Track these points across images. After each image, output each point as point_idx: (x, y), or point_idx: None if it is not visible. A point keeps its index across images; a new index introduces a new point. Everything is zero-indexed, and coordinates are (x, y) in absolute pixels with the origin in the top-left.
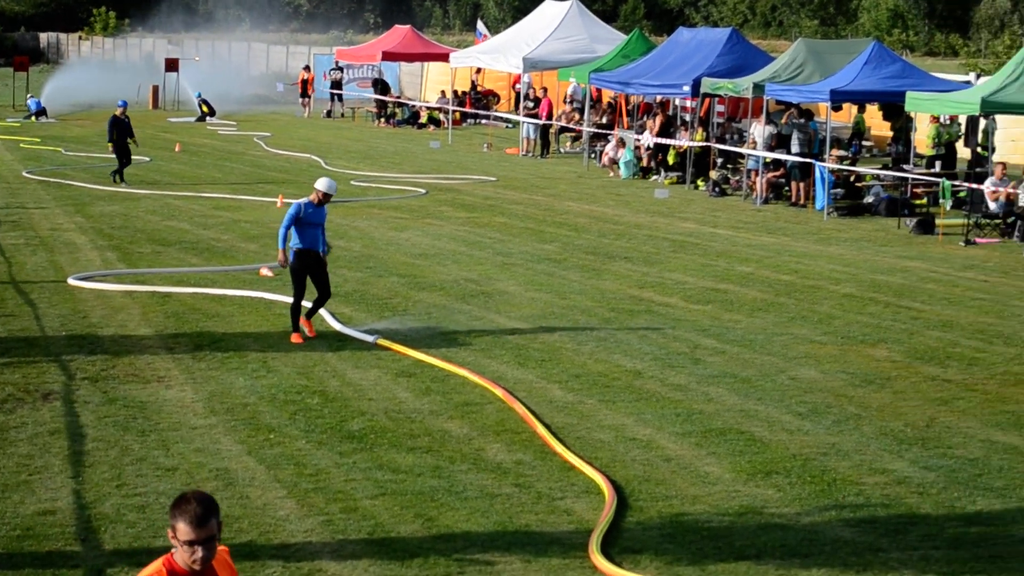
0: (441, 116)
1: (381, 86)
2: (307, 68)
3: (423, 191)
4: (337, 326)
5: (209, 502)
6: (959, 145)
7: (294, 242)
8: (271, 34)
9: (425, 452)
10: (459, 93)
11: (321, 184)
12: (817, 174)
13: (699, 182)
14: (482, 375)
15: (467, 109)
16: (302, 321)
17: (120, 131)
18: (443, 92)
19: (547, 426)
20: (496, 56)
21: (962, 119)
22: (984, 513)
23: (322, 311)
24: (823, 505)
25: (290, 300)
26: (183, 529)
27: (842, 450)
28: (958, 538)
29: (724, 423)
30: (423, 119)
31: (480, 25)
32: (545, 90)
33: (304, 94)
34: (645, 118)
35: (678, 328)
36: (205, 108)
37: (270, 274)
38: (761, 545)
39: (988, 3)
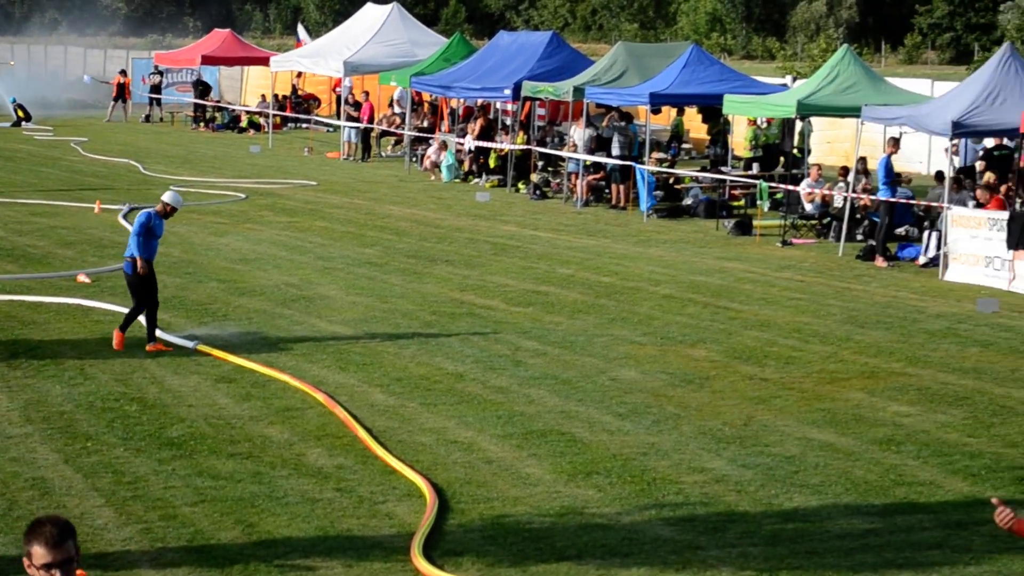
0: (261, 120)
1: (202, 87)
2: (123, 72)
3: (243, 196)
4: (157, 332)
5: (65, 524)
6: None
7: (134, 252)
8: (89, 38)
9: (245, 458)
10: (280, 97)
11: (168, 196)
12: (639, 177)
13: (520, 185)
14: (303, 380)
15: (288, 113)
16: (152, 347)
17: None
18: (263, 96)
19: (368, 430)
20: (317, 60)
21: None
22: (800, 509)
23: (140, 318)
24: (643, 504)
25: (106, 306)
26: (39, 553)
27: (662, 449)
28: (775, 535)
29: (545, 424)
30: (243, 123)
31: (300, 29)
32: (367, 94)
33: (119, 98)
34: (467, 122)
35: (499, 330)
36: (20, 113)
37: (87, 280)
38: (582, 545)
39: (804, 7)
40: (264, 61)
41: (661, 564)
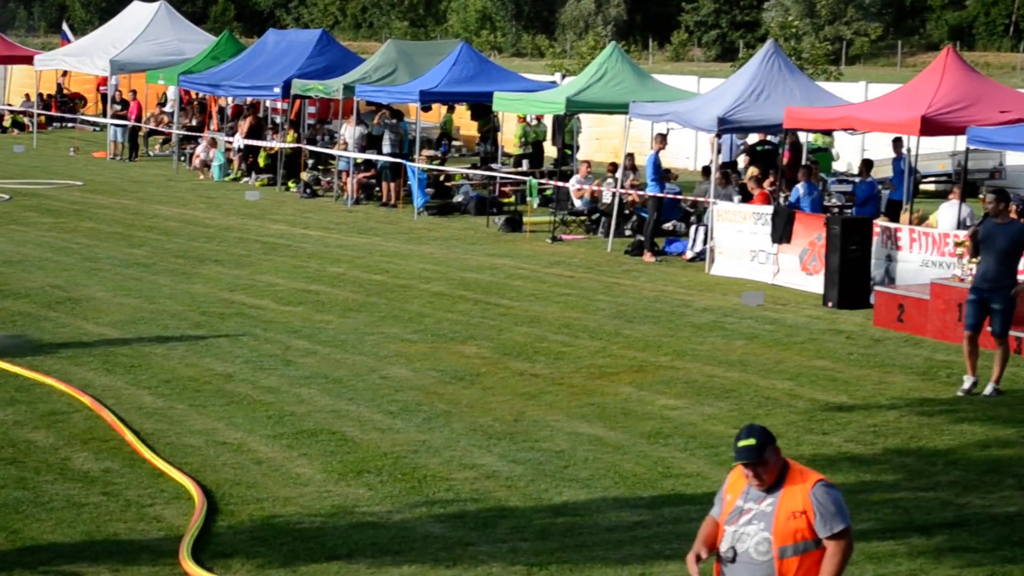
0: (26, 120)
1: None
2: None
3: (7, 197)
4: None
5: None
6: (546, 144)
7: None
8: None
9: (9, 464)
10: (44, 96)
11: None
12: (410, 174)
13: (290, 184)
14: (69, 383)
15: (53, 112)
16: None
17: None
18: (28, 95)
19: (136, 433)
20: (83, 58)
21: (548, 118)
22: (570, 503)
23: None
24: (414, 502)
25: None
26: None
27: (433, 447)
28: (545, 529)
29: (316, 424)
30: (7, 123)
31: (65, 27)
32: (134, 93)
33: None
34: (236, 120)
35: (269, 330)
36: None
37: None
38: (353, 544)
39: (573, 5)
40: (28, 60)
41: (432, 561)
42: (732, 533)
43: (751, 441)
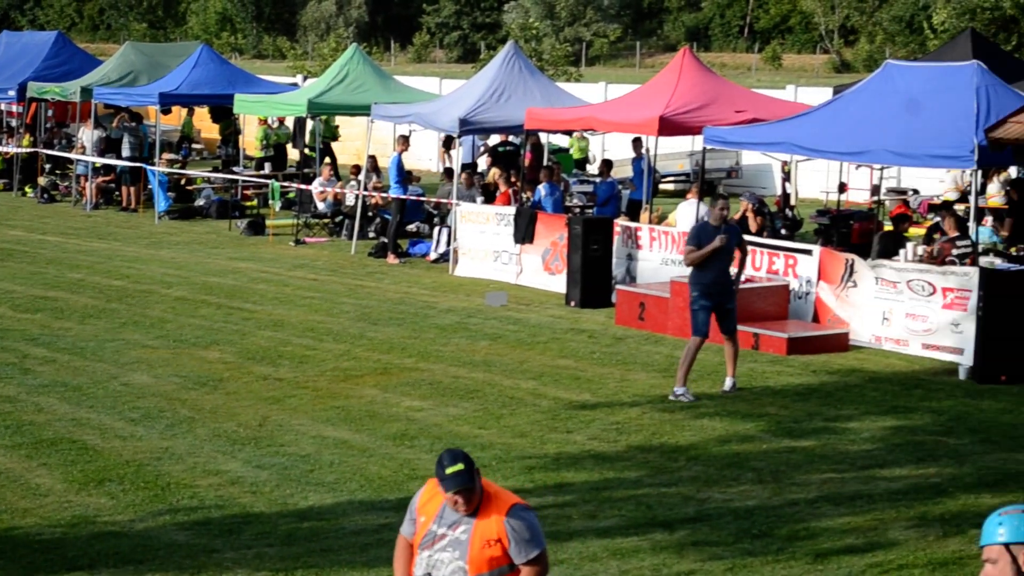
0: None
1: None
2: None
3: None
4: None
5: None
6: (288, 146)
7: None
8: None
9: None
10: None
11: None
12: (151, 178)
13: (27, 188)
14: None
15: None
16: None
17: None
18: None
19: None
20: None
21: (290, 121)
22: (316, 508)
23: None
24: (157, 510)
25: None
26: None
27: (176, 454)
28: (291, 534)
29: (55, 433)
30: None
31: None
32: None
33: None
34: None
35: (6, 338)
36: None
37: None
38: (95, 554)
39: (314, 6)
40: None
41: (176, 569)
42: (427, 559)
43: (460, 467)
